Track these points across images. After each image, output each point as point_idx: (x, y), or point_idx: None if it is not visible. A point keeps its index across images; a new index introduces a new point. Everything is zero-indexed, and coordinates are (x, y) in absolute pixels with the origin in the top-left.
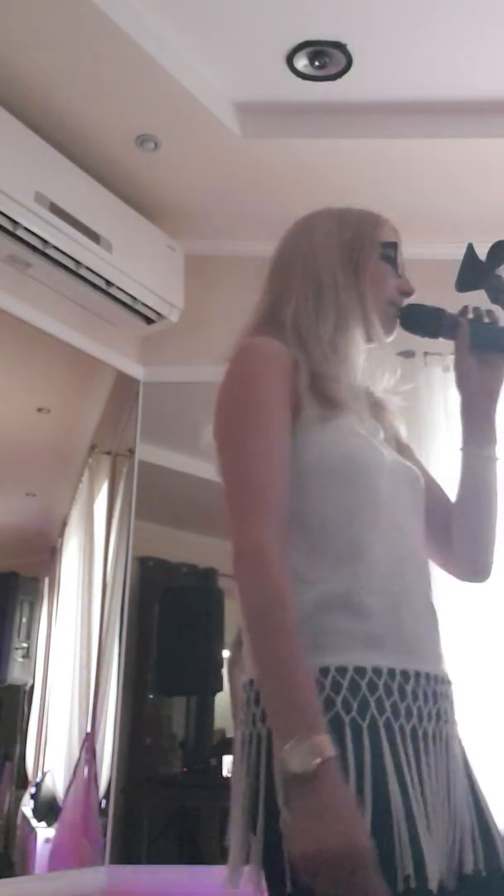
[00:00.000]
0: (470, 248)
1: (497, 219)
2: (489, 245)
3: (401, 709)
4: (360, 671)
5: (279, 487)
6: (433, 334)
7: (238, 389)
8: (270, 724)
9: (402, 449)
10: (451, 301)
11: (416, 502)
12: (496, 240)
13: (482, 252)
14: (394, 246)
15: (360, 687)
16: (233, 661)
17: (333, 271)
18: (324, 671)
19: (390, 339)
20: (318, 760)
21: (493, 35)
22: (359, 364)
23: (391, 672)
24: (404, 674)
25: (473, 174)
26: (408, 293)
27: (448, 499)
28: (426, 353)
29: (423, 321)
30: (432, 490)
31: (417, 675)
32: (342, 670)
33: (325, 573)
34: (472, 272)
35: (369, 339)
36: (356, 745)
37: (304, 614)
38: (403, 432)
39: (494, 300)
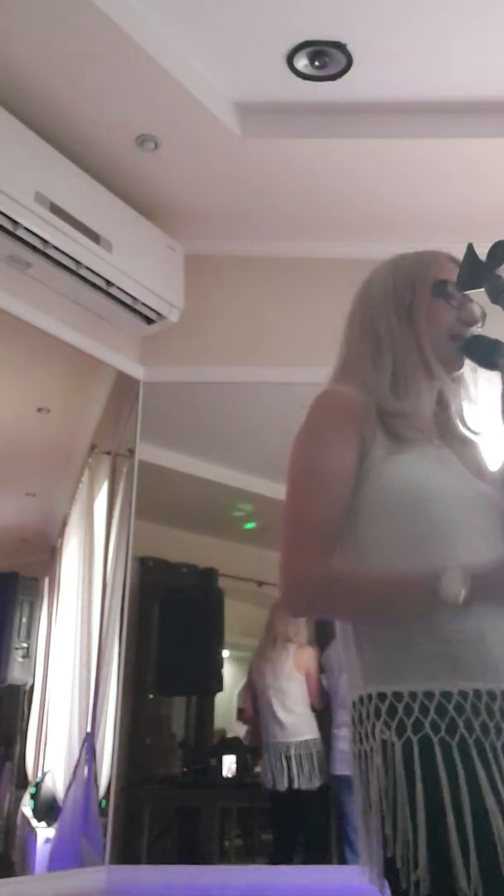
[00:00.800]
0: (470, 248)
1: (497, 219)
2: (489, 245)
3: (490, 727)
4: (446, 695)
5: (330, 524)
6: (491, 366)
7: (308, 435)
8: (413, 612)
9: (482, 473)
10: None
11: (496, 525)
12: (496, 240)
13: (482, 252)
14: (444, 282)
15: (447, 710)
16: (260, 651)
17: (388, 319)
18: (412, 695)
19: (457, 371)
20: (468, 577)
21: (494, 36)
22: (425, 400)
23: (477, 693)
24: (491, 694)
25: (473, 174)
26: (468, 323)
27: None
28: None
29: (481, 352)
30: None
31: None
32: (429, 695)
33: None
34: (472, 272)
35: (431, 376)
36: (447, 763)
37: (387, 644)
38: (482, 456)
39: (494, 300)
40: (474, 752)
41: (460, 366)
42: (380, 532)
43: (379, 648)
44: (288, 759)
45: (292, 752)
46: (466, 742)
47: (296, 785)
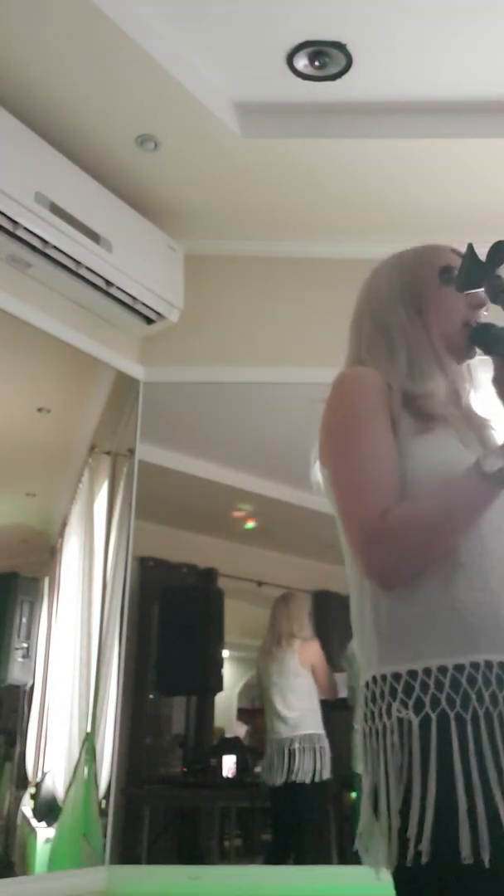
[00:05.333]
0: (470, 248)
1: (496, 219)
2: (489, 245)
3: (499, 697)
4: (458, 668)
5: (392, 484)
6: (499, 354)
7: (342, 410)
8: (475, 510)
9: None
10: None
11: None
12: (496, 240)
13: (482, 252)
14: (450, 268)
15: (461, 683)
16: (265, 650)
17: (398, 313)
18: (426, 672)
19: (471, 359)
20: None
21: (493, 36)
22: (441, 386)
23: (488, 664)
24: (501, 665)
25: (473, 174)
26: (479, 305)
27: None
28: None
29: (489, 340)
30: None
31: None
32: (443, 670)
33: (426, 581)
34: (472, 272)
35: (442, 367)
36: (461, 737)
37: (409, 624)
38: (495, 440)
39: (494, 300)
40: (483, 724)
41: (474, 353)
42: None
43: (399, 628)
44: (291, 752)
45: (296, 745)
46: (477, 714)
47: (294, 778)
